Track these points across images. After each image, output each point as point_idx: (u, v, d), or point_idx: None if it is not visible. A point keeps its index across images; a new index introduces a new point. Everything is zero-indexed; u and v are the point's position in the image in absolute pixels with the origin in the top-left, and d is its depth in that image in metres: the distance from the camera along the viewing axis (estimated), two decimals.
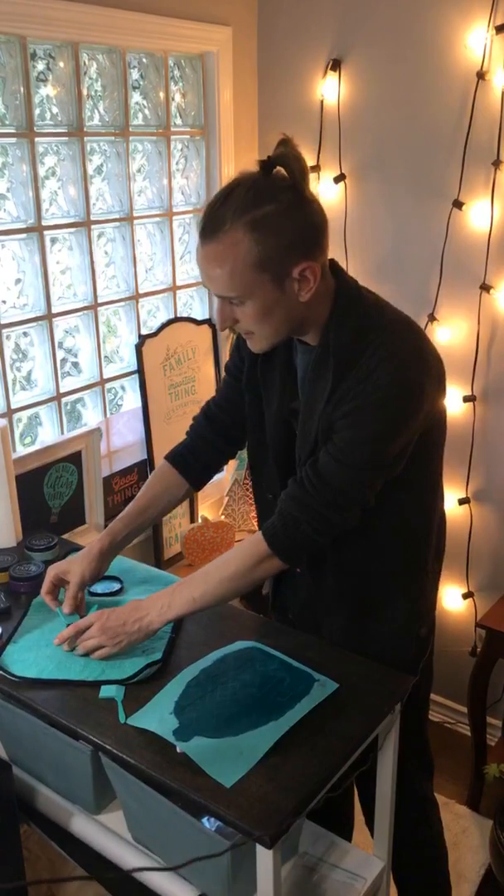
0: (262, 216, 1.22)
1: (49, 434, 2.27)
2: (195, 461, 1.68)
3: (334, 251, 2.62)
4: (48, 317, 2.16)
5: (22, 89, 1.95)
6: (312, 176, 2.56)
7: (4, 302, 2.10)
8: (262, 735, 1.26)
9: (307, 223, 1.27)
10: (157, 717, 1.30)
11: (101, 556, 1.61)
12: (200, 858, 1.04)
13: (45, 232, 2.10)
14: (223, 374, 2.74)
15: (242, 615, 1.66)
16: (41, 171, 2.08)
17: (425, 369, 1.34)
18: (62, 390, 2.25)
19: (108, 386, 2.40)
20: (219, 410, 1.66)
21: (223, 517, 2.70)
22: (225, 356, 2.74)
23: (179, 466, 1.67)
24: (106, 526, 2.34)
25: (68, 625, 1.49)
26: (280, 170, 1.25)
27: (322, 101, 2.49)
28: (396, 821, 1.62)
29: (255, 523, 2.67)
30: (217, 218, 1.23)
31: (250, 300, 1.28)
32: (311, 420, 1.40)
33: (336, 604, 1.56)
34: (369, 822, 1.69)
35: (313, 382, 1.39)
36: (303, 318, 1.35)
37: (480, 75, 2.18)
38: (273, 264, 1.24)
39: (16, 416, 2.15)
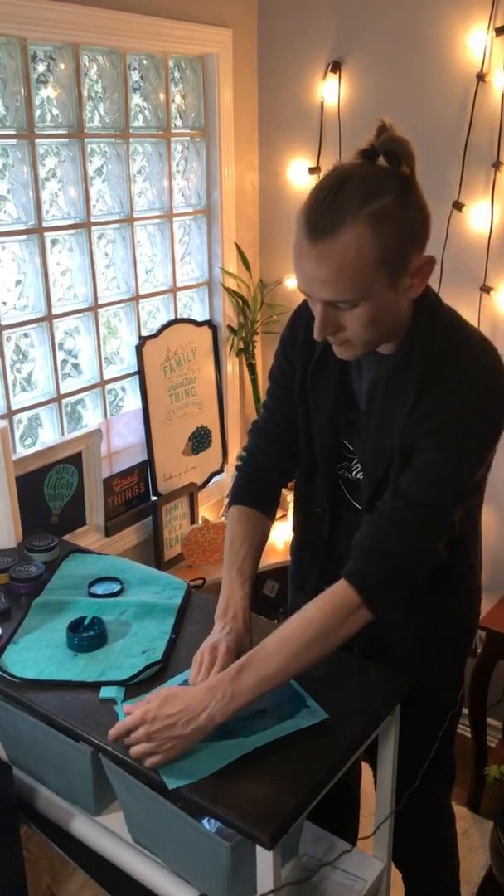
0: (381, 208, 1.12)
1: (49, 435, 2.27)
2: (269, 494, 1.55)
3: None
4: (48, 318, 2.16)
5: (22, 91, 1.96)
6: (312, 177, 2.57)
7: (5, 303, 2.10)
8: (225, 749, 1.23)
9: (419, 212, 1.18)
10: None
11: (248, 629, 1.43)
12: None
13: (46, 233, 2.11)
14: (225, 376, 2.76)
15: None
16: (42, 173, 2.08)
17: None
18: (62, 391, 2.25)
19: (108, 387, 2.40)
20: (279, 430, 1.50)
21: (223, 519, 2.70)
22: (225, 357, 2.73)
23: (262, 508, 1.53)
24: (106, 528, 2.36)
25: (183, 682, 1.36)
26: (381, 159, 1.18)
27: (322, 103, 2.50)
28: (414, 828, 1.61)
29: None
30: (333, 214, 1.11)
31: (364, 302, 1.16)
32: (384, 434, 1.29)
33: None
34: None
35: (389, 393, 1.28)
36: (400, 322, 1.25)
37: (480, 77, 2.18)
38: (393, 259, 1.14)
39: (16, 417, 2.15)
